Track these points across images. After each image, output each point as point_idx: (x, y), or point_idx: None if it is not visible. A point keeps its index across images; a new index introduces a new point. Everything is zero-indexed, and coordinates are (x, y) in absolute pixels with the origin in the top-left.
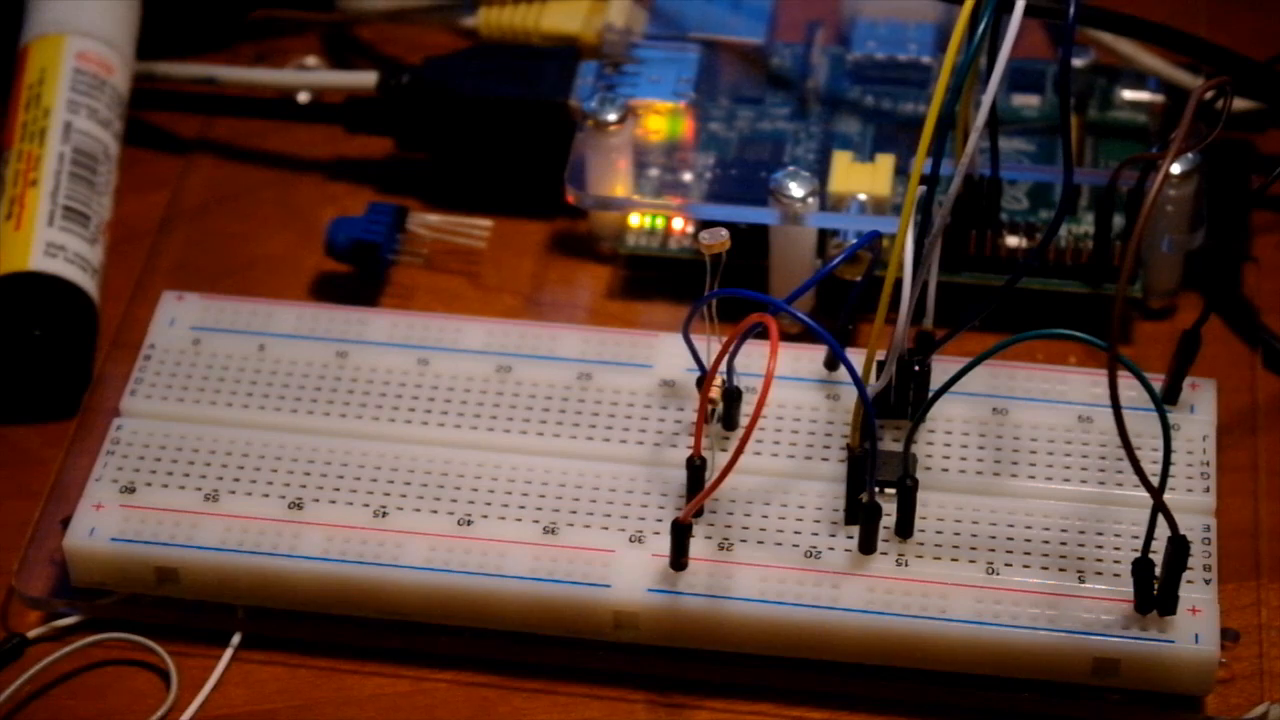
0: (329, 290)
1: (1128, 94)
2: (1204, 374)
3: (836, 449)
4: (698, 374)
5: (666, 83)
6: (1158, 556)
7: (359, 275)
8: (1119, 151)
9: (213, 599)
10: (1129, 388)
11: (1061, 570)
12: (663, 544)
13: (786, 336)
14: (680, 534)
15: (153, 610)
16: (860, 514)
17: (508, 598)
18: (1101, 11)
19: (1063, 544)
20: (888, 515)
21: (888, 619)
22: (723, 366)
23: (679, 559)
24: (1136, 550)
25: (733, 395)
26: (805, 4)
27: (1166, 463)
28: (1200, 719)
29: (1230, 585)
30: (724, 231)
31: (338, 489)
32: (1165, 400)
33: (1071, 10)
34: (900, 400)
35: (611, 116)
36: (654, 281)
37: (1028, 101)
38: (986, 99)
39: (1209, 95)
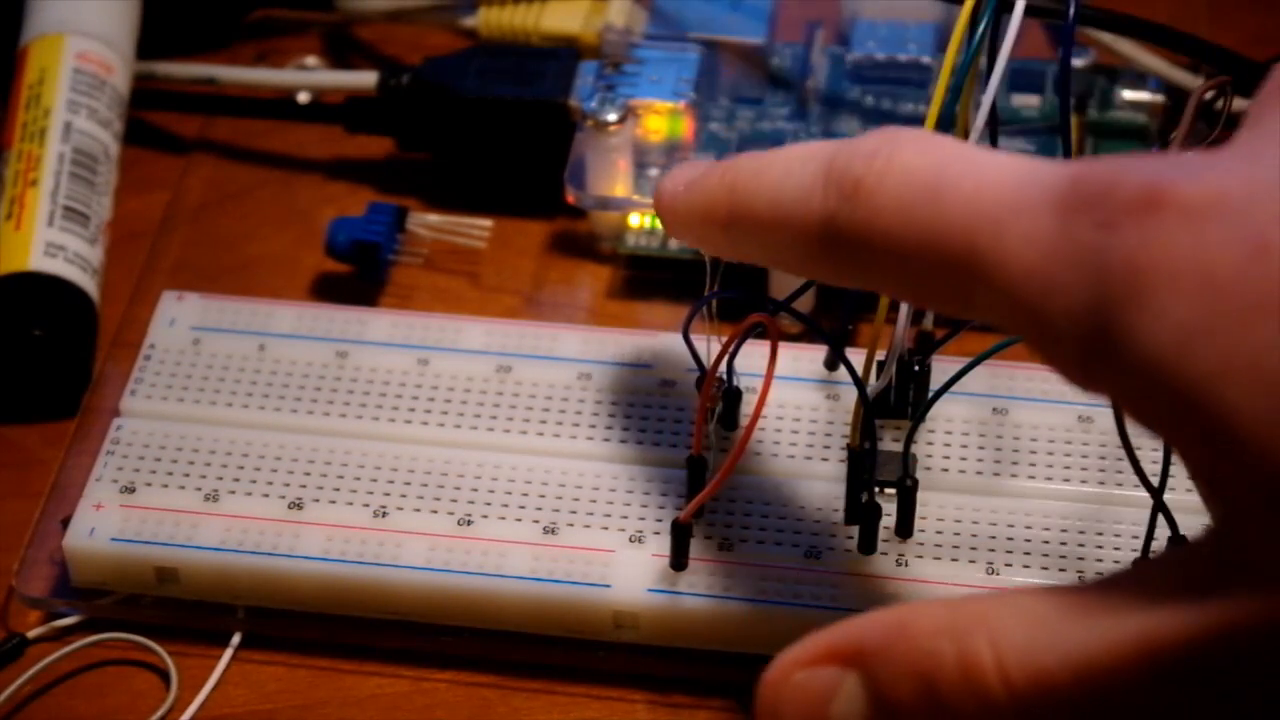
0: (329, 290)
1: (1128, 94)
2: None
3: (836, 449)
4: (698, 374)
5: (666, 83)
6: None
7: (359, 275)
8: (1119, 151)
9: (213, 599)
10: None
11: (1061, 570)
12: (663, 544)
13: (786, 336)
14: (680, 534)
15: (153, 610)
16: (860, 514)
17: (508, 598)
18: (1101, 11)
19: (1063, 544)
20: (888, 515)
21: None
22: (723, 366)
23: (679, 559)
24: (1136, 550)
25: (733, 395)
26: (805, 4)
27: (1166, 463)
28: None
29: None
30: None
31: (338, 489)
32: None
33: (1071, 10)
34: (900, 400)
35: (611, 116)
36: (654, 281)
37: (1028, 101)
38: (986, 99)
39: (1209, 95)
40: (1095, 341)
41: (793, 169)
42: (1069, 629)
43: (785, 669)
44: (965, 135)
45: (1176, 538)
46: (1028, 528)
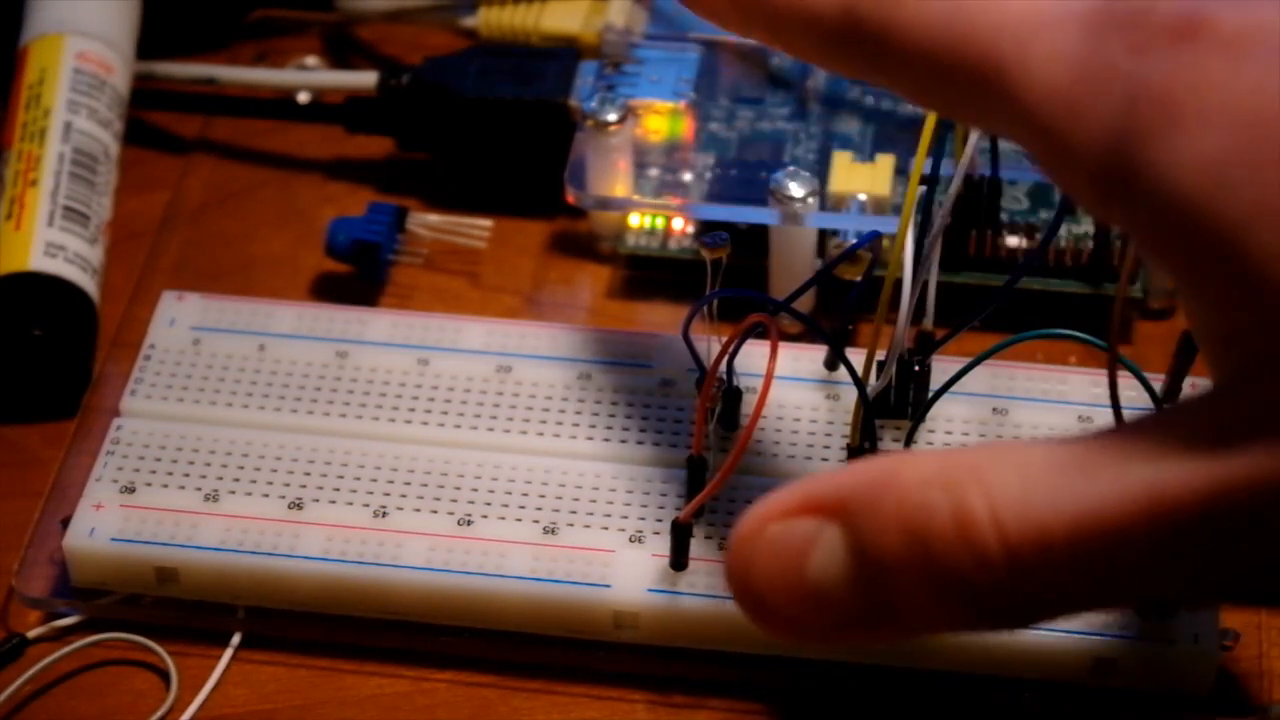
0: (329, 290)
1: None
2: (1204, 374)
3: (836, 449)
4: (698, 374)
5: (666, 83)
6: None
7: (359, 275)
8: None
9: (213, 599)
10: (1129, 388)
11: None
12: (663, 544)
13: (786, 336)
14: (680, 534)
15: (153, 610)
16: None
17: (508, 598)
18: None
19: None
20: None
21: None
22: (723, 366)
23: (679, 559)
24: None
25: (733, 395)
26: None
27: None
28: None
29: None
30: (725, 235)
31: (338, 489)
32: (1165, 400)
33: None
34: (900, 400)
35: (611, 116)
36: (654, 281)
37: None
38: None
39: None
40: (1117, 170)
41: None
42: (1069, 482)
43: (760, 520)
44: (965, 135)
45: None
46: None
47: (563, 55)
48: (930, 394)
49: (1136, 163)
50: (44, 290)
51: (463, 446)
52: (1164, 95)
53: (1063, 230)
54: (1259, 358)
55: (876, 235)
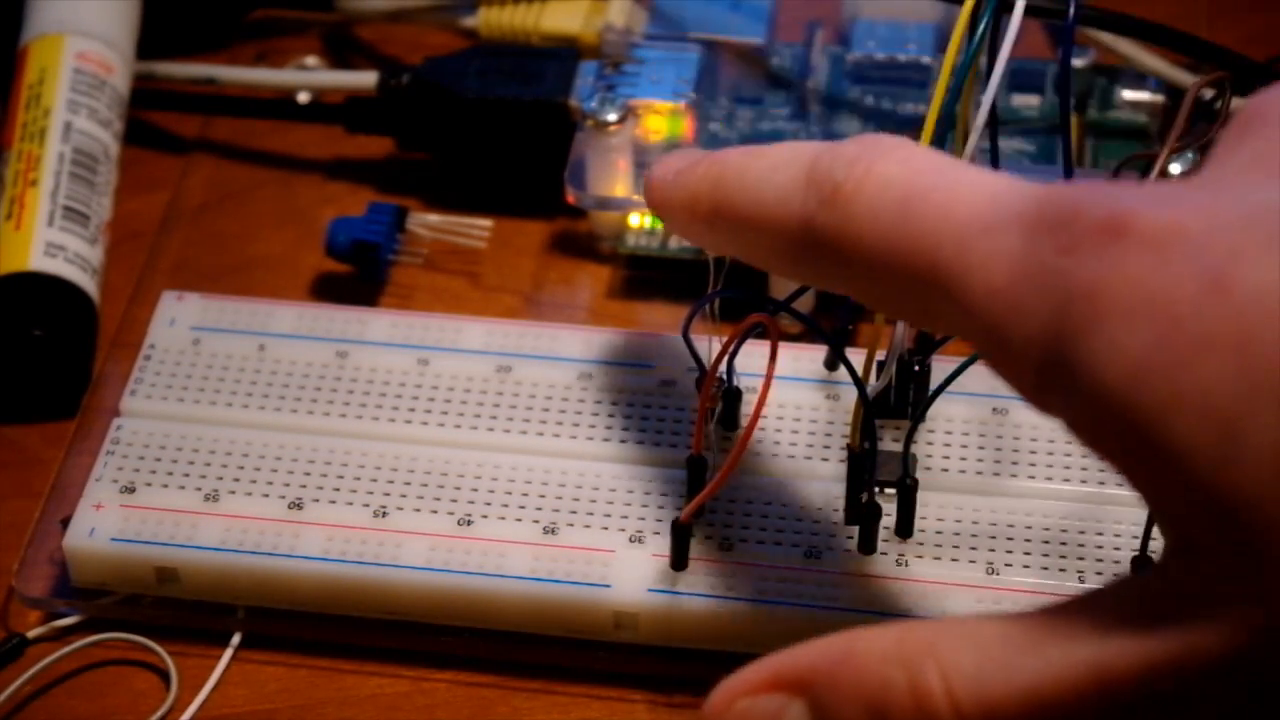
0: (329, 290)
1: (1128, 94)
2: None
3: (836, 449)
4: (698, 374)
5: (666, 83)
6: (1156, 555)
7: (359, 275)
8: (1119, 151)
9: (213, 599)
10: None
11: (1061, 570)
12: (663, 544)
13: (786, 336)
14: (680, 534)
15: (153, 610)
16: (860, 514)
17: (508, 598)
18: (1101, 11)
19: (1062, 544)
20: (888, 515)
21: (888, 619)
22: (723, 366)
23: (679, 559)
24: (1135, 550)
25: (733, 395)
26: (805, 4)
27: None
28: None
29: None
30: None
31: (338, 489)
32: None
33: (1071, 10)
34: (900, 400)
35: (611, 116)
36: (654, 281)
37: (1028, 101)
38: (986, 99)
39: (1207, 92)
40: (1050, 365)
41: (778, 168)
42: (1019, 658)
43: (728, 696)
44: (965, 135)
45: None
46: (1027, 528)
47: (563, 55)
48: (930, 394)
49: (1069, 358)
50: (44, 290)
51: (463, 446)
52: (1092, 292)
53: None
54: (1188, 540)
55: None
